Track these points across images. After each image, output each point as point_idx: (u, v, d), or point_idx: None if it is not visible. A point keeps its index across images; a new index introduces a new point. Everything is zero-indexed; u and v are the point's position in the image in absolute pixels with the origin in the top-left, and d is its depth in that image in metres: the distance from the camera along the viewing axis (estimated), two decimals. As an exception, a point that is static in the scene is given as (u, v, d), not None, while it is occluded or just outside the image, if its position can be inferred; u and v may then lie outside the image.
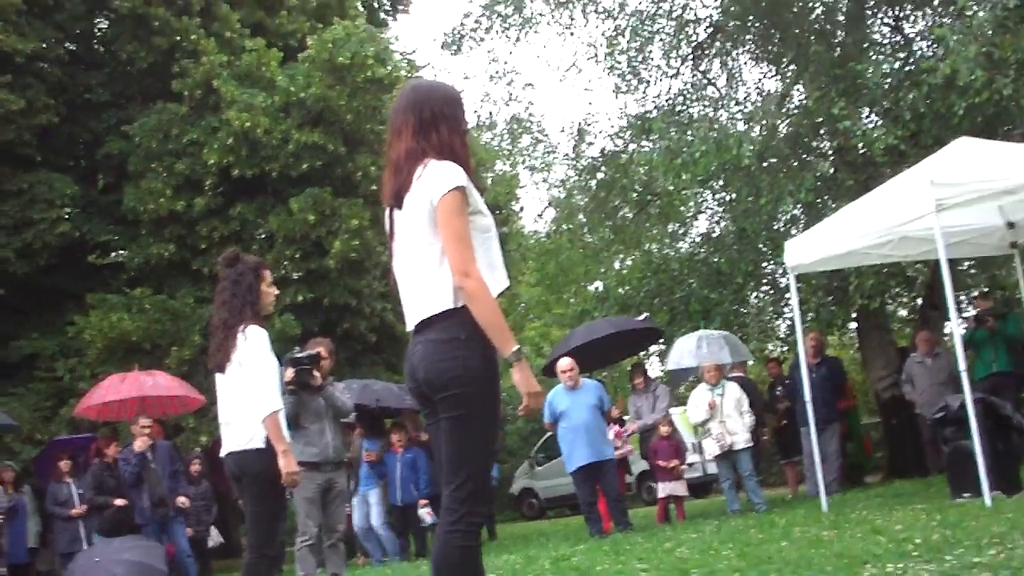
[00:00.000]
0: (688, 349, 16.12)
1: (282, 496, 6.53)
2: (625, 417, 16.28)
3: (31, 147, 22.11)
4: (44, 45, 22.66)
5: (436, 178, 4.23)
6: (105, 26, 24.98)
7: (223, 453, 6.59)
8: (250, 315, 6.50)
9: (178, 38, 22.82)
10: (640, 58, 19.41)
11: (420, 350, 4.26)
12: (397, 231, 4.44)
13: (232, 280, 6.59)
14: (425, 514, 14.43)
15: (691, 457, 17.40)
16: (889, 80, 16.62)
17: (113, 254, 23.21)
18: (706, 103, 19.27)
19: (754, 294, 19.30)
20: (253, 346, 6.42)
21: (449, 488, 4.21)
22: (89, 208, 23.21)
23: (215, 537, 16.67)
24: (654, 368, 22.08)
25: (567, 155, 21.43)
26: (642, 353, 20.71)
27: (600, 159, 20.78)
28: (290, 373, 9.93)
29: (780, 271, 18.02)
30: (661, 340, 19.08)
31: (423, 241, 4.28)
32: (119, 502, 13.99)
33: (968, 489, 10.15)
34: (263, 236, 21.97)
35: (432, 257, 4.25)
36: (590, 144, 21.34)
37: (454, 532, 4.16)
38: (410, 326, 4.39)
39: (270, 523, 6.54)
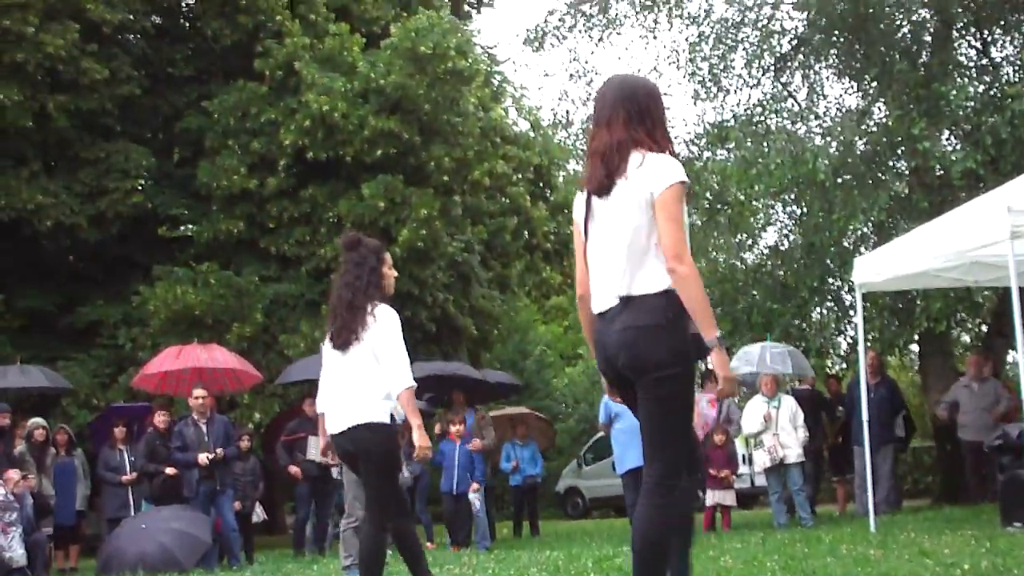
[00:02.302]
0: (751, 357, 15.92)
1: (398, 469, 6.62)
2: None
3: (112, 117, 22.33)
4: (131, 17, 22.79)
5: (661, 170, 4.43)
6: (192, 1, 25.18)
7: (336, 430, 6.62)
8: (376, 295, 6.63)
9: (263, 18, 22.94)
10: (722, 66, 19.33)
11: (620, 337, 4.45)
12: (598, 216, 4.60)
13: (355, 263, 6.72)
14: (475, 499, 14.36)
15: (741, 468, 17.27)
16: (972, 103, 16.41)
17: (183, 228, 23.38)
18: (785, 115, 19.10)
19: (817, 310, 19.10)
20: (386, 325, 6.53)
21: (651, 466, 4.57)
22: (163, 181, 23.40)
23: (259, 514, 16.76)
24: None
25: (641, 158, 21.35)
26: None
27: (674, 164, 20.69)
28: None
29: (846, 288, 17.85)
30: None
31: (633, 227, 4.45)
32: (169, 471, 14.11)
33: (1020, 518, 10.01)
34: (332, 219, 22.04)
35: (641, 243, 4.43)
36: (664, 149, 21.25)
37: (655, 506, 4.49)
38: (600, 309, 4.58)
39: (389, 496, 6.66)
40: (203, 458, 13.69)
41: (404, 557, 6.75)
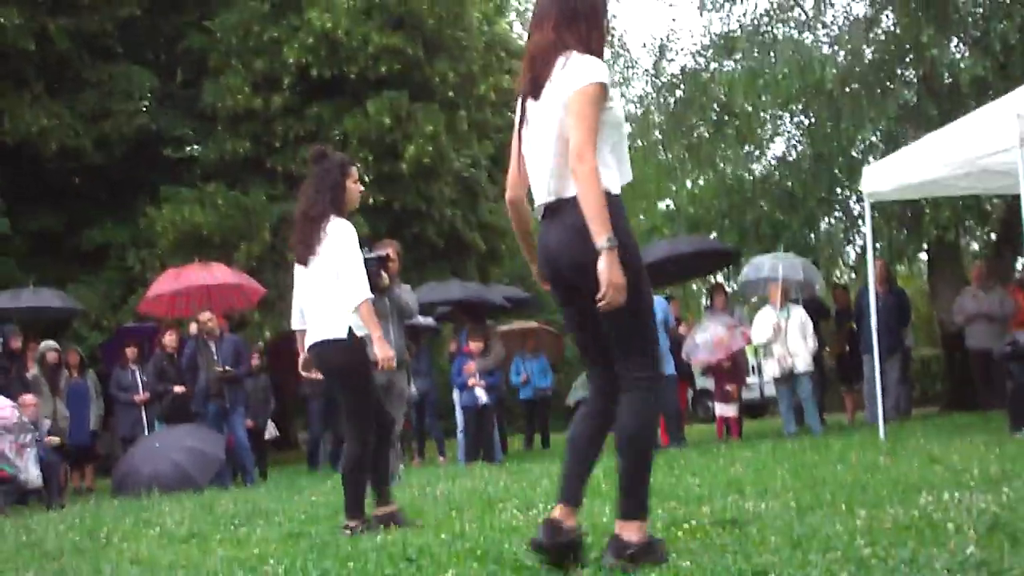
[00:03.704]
0: (766, 263, 15.77)
1: (370, 383, 6.62)
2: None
3: (112, 38, 22.22)
4: (130, -63, 22.64)
5: (581, 70, 4.31)
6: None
7: (307, 346, 6.65)
8: (334, 210, 6.56)
9: (264, -65, 22.73)
10: (728, -26, 19.13)
11: (559, 237, 4.38)
12: (531, 120, 4.53)
13: (318, 176, 6.66)
14: (481, 393, 14.33)
15: (750, 379, 17.28)
16: (980, 9, 16.25)
17: (188, 148, 23.35)
18: (792, 24, 18.90)
19: (826, 220, 19.05)
20: (340, 238, 6.49)
21: (628, 364, 4.41)
22: (166, 102, 23.34)
23: (271, 430, 16.88)
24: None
25: (647, 71, 21.18)
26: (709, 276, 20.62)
27: (680, 77, 20.51)
28: (357, 273, 10.04)
29: (854, 198, 17.79)
30: (731, 264, 18.90)
31: (559, 130, 4.37)
32: (178, 389, 14.26)
33: (1029, 424, 10.06)
34: (338, 137, 21.98)
35: (566, 146, 4.32)
36: (671, 61, 21.09)
37: (643, 400, 4.39)
38: (541, 210, 4.52)
39: (366, 411, 6.66)
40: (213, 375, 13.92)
41: (344, 477, 6.74)
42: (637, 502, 4.34)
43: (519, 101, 4.62)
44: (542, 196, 4.47)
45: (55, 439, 13.54)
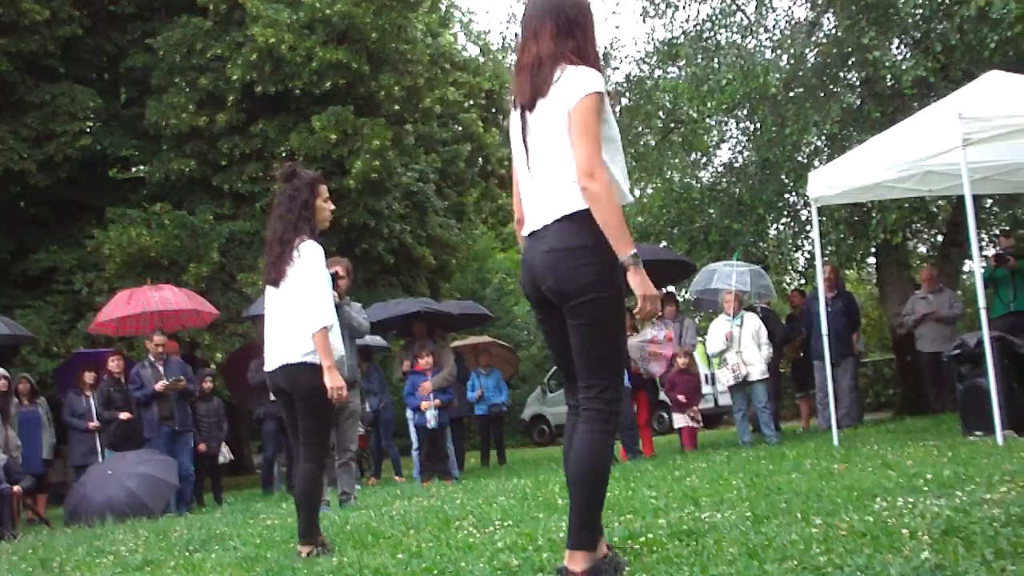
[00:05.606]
0: (720, 274, 15.80)
1: (332, 407, 6.56)
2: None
3: (55, 58, 22.02)
4: (70, -44, 22.46)
5: (576, 82, 4.24)
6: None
7: (270, 367, 6.59)
8: (306, 230, 6.51)
9: (204, -49, 22.61)
10: (670, -20, 19.21)
11: (546, 259, 4.29)
12: (526, 133, 4.45)
13: (288, 195, 6.59)
14: (431, 416, 14.14)
15: (704, 388, 17.25)
16: (921, 11, 16.37)
17: (134, 169, 23.18)
18: (734, 30, 18.98)
19: (774, 226, 19.14)
20: (308, 261, 6.42)
21: (590, 392, 4.34)
22: (111, 122, 23.16)
23: (225, 454, 16.71)
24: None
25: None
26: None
27: (625, 84, 20.59)
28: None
29: (802, 203, 17.90)
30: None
31: (555, 145, 4.31)
32: (123, 416, 14.10)
33: (980, 427, 10.10)
34: (284, 154, 21.89)
35: (563, 161, 4.27)
36: (615, 69, 21.16)
37: (600, 432, 4.32)
38: (530, 228, 4.45)
39: (324, 434, 6.63)
40: (160, 385, 13.72)
41: (299, 501, 6.63)
42: (586, 534, 4.30)
43: (517, 114, 4.51)
44: (535, 212, 4.41)
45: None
